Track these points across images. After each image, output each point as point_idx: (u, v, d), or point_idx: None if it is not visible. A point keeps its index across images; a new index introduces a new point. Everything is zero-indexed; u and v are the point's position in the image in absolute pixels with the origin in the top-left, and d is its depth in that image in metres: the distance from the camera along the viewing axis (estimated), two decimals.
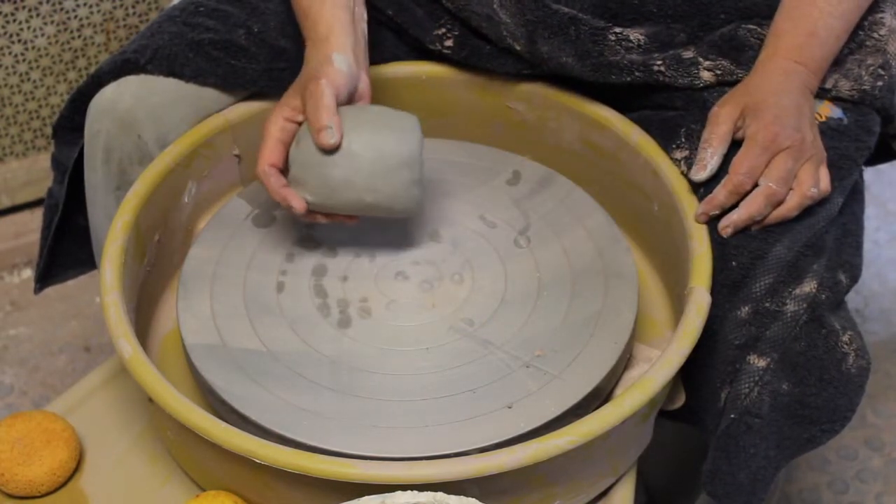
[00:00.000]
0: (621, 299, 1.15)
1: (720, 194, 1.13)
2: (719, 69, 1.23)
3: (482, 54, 1.29)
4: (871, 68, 1.22)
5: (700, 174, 1.16)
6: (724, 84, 1.23)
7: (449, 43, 1.30)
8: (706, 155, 1.15)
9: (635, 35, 1.23)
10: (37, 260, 1.38)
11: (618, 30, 1.23)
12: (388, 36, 1.33)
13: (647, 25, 1.23)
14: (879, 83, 1.22)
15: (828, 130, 1.19)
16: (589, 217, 1.23)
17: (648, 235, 1.28)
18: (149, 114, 1.23)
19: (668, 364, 1.05)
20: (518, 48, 1.25)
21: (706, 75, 1.23)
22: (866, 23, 1.24)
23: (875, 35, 1.24)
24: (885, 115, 1.25)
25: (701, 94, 1.23)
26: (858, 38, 1.23)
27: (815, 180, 1.13)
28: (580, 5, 1.24)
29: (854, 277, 1.18)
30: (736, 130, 1.15)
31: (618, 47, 1.23)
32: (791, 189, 1.13)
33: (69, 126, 1.30)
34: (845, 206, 1.19)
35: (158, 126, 1.24)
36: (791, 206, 1.13)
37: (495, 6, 1.24)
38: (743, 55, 1.22)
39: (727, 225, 1.13)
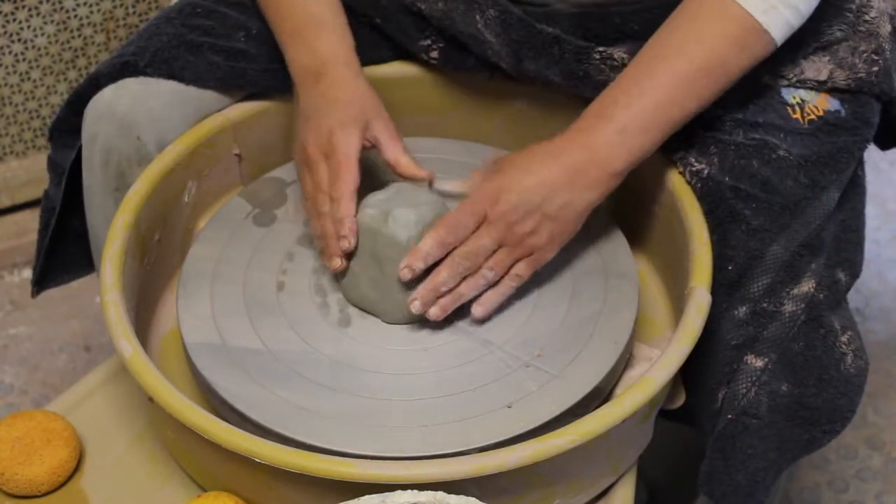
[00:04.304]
0: (621, 299, 1.14)
1: (425, 243, 1.09)
2: None
3: (468, 67, 1.29)
4: (865, 55, 1.21)
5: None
6: None
7: (434, 54, 1.30)
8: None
9: (619, 54, 1.21)
10: (34, 263, 1.38)
11: (601, 49, 1.21)
12: (376, 38, 1.32)
13: (629, 43, 1.21)
14: (875, 69, 1.21)
15: (824, 126, 1.19)
16: (589, 217, 1.23)
17: (648, 235, 1.27)
18: (148, 115, 1.23)
19: (668, 364, 1.05)
20: (504, 66, 1.25)
21: None
22: (855, 5, 1.22)
23: (866, 18, 1.22)
24: (886, 100, 1.24)
25: None
26: (849, 20, 1.21)
27: (501, 268, 1.10)
28: (563, 25, 1.22)
29: (854, 275, 1.18)
30: None
31: (602, 66, 1.21)
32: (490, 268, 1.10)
33: (66, 128, 1.30)
34: (844, 201, 1.18)
35: (158, 128, 1.24)
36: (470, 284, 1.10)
37: (479, 26, 1.23)
38: None
39: (406, 266, 1.09)
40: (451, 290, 1.10)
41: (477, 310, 1.11)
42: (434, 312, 1.09)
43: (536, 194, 1.09)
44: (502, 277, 1.11)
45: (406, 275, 1.09)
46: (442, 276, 1.09)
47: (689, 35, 1.11)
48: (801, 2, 1.11)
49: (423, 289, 1.09)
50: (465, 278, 1.10)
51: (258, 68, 1.27)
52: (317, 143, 1.14)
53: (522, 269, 1.11)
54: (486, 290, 1.11)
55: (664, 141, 1.13)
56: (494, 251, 1.10)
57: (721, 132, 1.17)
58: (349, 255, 1.12)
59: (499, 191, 1.10)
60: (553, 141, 1.12)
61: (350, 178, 1.12)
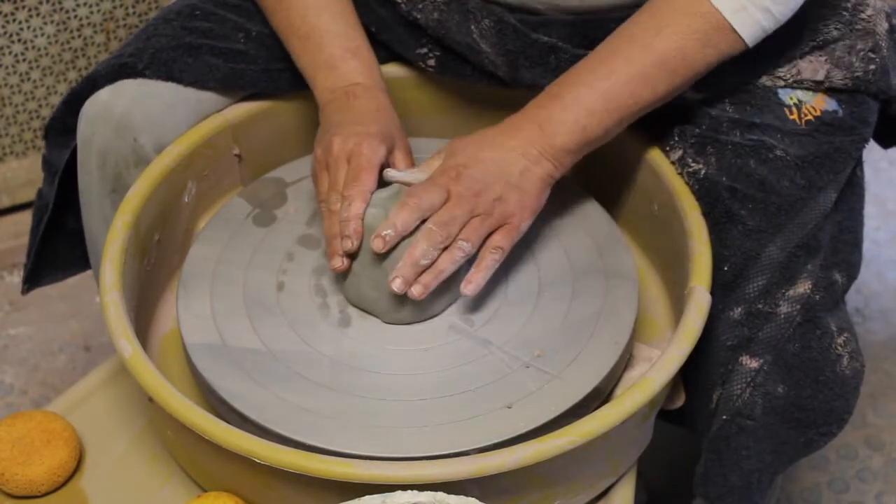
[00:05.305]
0: (621, 299, 1.14)
1: (393, 214, 1.10)
2: (701, 84, 1.21)
3: (465, 75, 1.29)
4: (862, 53, 1.21)
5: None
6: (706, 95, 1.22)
7: (431, 62, 1.30)
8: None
9: None
10: (25, 261, 1.38)
11: None
12: (373, 45, 1.32)
13: None
14: (871, 67, 1.21)
15: (822, 126, 1.19)
16: (589, 217, 1.23)
17: (648, 235, 1.28)
18: (145, 117, 1.23)
19: (668, 364, 1.05)
20: (500, 74, 1.25)
21: (688, 92, 1.20)
22: (850, 4, 1.22)
23: (862, 16, 1.22)
24: (884, 99, 1.24)
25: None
26: (845, 19, 1.22)
27: (475, 237, 1.10)
28: (559, 33, 1.23)
29: (851, 276, 1.18)
30: None
31: None
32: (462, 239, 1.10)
33: (61, 128, 1.30)
34: (841, 201, 1.18)
35: (156, 129, 1.23)
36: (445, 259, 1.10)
37: (475, 36, 1.23)
38: (718, 68, 1.21)
39: (377, 236, 1.09)
40: (430, 267, 1.09)
41: (467, 288, 1.10)
42: (417, 290, 1.09)
43: (494, 164, 1.11)
44: (481, 250, 1.11)
45: (378, 245, 1.09)
46: (420, 247, 1.08)
47: (654, 27, 1.12)
48: (775, 5, 1.11)
49: (403, 265, 1.09)
50: (442, 252, 1.09)
51: (258, 69, 1.27)
52: (343, 147, 1.14)
53: (500, 240, 1.11)
54: (466, 266, 1.11)
55: (620, 127, 1.14)
56: (467, 223, 1.10)
57: (718, 132, 1.18)
58: (352, 256, 1.12)
59: (458, 167, 1.11)
60: (509, 118, 1.15)
61: (368, 181, 1.12)
